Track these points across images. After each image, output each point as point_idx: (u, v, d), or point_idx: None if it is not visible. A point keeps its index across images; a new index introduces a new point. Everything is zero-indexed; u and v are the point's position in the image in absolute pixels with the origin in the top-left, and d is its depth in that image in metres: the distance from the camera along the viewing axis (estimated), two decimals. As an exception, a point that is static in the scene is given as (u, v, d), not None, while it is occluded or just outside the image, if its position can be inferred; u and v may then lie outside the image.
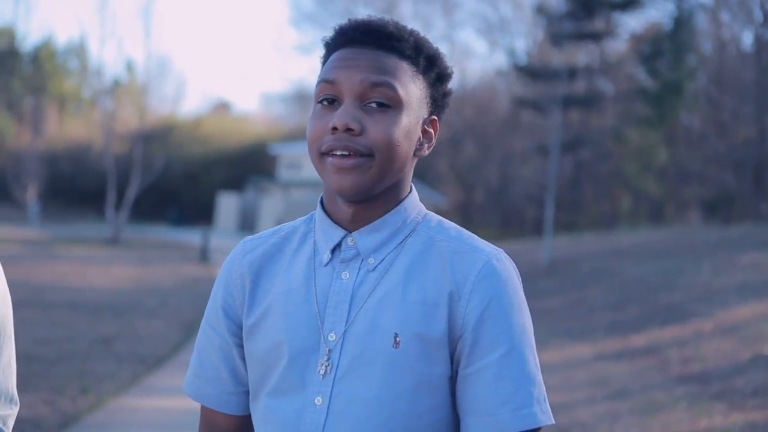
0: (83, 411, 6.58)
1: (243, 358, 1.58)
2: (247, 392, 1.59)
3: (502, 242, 28.28)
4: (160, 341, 9.98)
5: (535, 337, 1.49)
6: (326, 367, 1.45)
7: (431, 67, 1.51)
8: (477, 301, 1.43)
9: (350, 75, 1.44)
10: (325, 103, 1.46)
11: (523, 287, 1.50)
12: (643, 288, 14.16)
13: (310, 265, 1.52)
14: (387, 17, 1.53)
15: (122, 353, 9.04)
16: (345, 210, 1.49)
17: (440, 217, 1.56)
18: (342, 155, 1.42)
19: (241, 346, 1.57)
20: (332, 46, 1.51)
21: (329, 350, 1.45)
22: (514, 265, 1.51)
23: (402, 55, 1.48)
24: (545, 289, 16.31)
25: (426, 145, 1.53)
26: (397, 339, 1.42)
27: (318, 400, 1.44)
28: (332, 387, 1.44)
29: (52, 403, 6.65)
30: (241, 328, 1.57)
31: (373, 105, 1.44)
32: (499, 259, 1.47)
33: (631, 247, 20.16)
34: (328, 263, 1.50)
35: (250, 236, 1.65)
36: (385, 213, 1.50)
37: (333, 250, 1.50)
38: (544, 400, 1.44)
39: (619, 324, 11.86)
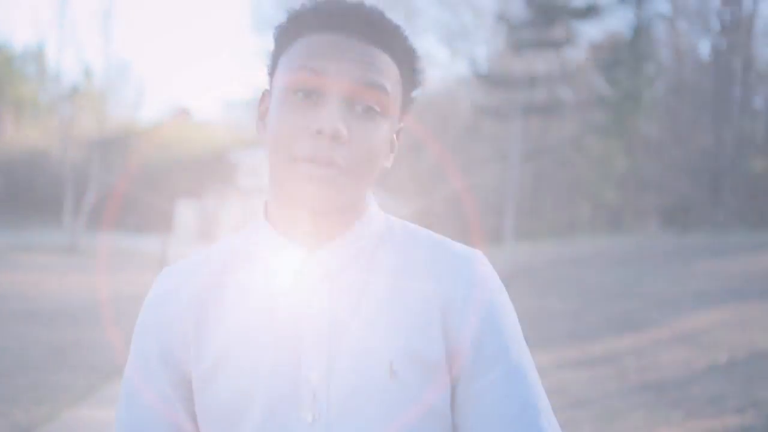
0: (37, 422, 6.47)
1: (190, 412, 1.33)
2: None
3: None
4: (117, 351, 9.86)
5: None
6: (313, 412, 1.23)
7: (411, 72, 1.31)
8: (471, 312, 1.27)
9: (343, 69, 1.20)
10: (301, 95, 1.22)
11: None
12: (602, 296, 14.24)
13: (267, 294, 1.28)
14: (376, 6, 1.30)
15: (78, 363, 8.92)
16: (306, 221, 1.26)
17: (402, 221, 1.38)
18: (320, 164, 1.19)
19: (187, 399, 1.33)
20: (310, 26, 1.25)
21: (314, 393, 1.23)
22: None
23: (393, 55, 1.26)
24: (505, 297, 16.29)
25: (391, 156, 1.33)
26: (393, 367, 1.23)
27: None
28: None
29: (5, 415, 6.55)
30: (185, 378, 1.32)
31: (359, 109, 1.21)
32: (483, 263, 1.33)
33: (590, 255, 20.30)
34: (290, 290, 1.27)
35: (174, 267, 1.38)
36: (349, 224, 1.29)
37: (294, 273, 1.27)
38: (550, 412, 1.29)
39: (578, 332, 11.92)
